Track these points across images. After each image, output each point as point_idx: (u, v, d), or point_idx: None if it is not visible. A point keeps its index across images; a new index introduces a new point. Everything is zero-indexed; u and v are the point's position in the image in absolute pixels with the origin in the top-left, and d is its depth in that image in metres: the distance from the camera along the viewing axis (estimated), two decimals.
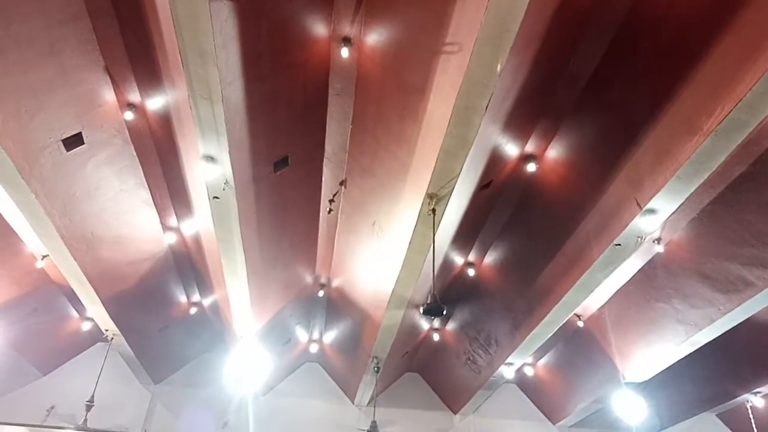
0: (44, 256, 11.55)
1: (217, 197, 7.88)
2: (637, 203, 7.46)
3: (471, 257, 11.84)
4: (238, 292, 10.44)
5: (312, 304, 13.75)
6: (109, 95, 8.03)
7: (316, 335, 15.64)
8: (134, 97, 8.23)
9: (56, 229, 8.80)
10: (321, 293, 13.03)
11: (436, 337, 14.78)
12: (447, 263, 11.12)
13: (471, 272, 12.02)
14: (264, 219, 9.10)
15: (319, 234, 10.94)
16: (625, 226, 7.72)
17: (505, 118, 7.60)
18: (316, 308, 14.04)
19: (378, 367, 13.15)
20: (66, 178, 8.48)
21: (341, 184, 9.48)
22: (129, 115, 8.31)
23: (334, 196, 9.64)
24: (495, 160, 8.51)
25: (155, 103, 8.31)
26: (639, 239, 8.09)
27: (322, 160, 8.99)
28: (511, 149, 8.73)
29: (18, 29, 6.37)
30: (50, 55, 6.90)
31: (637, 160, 7.40)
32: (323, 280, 12.81)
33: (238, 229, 8.40)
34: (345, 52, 6.94)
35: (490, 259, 11.74)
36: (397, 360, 14.88)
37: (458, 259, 11.73)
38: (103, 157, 8.74)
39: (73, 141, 8.13)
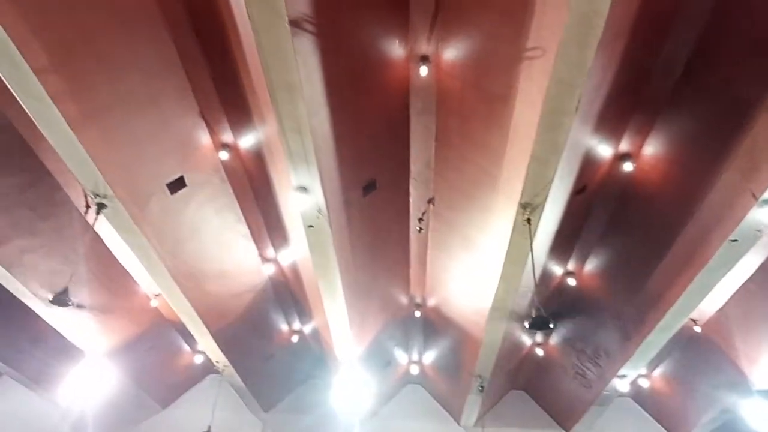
0: (156, 295, 12.37)
1: (311, 226, 8.08)
2: (753, 194, 6.84)
3: (570, 266, 11.36)
4: (336, 316, 10.60)
5: (409, 325, 13.71)
6: (205, 138, 8.52)
7: (416, 356, 15.55)
8: (228, 137, 8.68)
9: (167, 269, 9.36)
10: (417, 313, 12.97)
11: (540, 352, 14.23)
12: (546, 274, 10.72)
13: (572, 282, 11.51)
14: (357, 243, 9.22)
15: (411, 254, 10.93)
16: (741, 220, 7.08)
17: (596, 118, 7.28)
18: (414, 329, 13.98)
19: (482, 386, 12.81)
20: (172, 219, 9.04)
21: (429, 202, 9.45)
22: (224, 155, 8.77)
23: (423, 214, 9.61)
24: (588, 162, 8.16)
25: (247, 141, 8.71)
26: (758, 233, 7.40)
27: (409, 180, 9.02)
28: (605, 150, 8.34)
29: (120, 85, 6.93)
30: (151, 106, 7.43)
31: (749, 146, 6.81)
32: (419, 300, 12.75)
33: (333, 255, 8.56)
34: (424, 70, 6.97)
35: (591, 266, 11.19)
36: (502, 378, 14.45)
37: (557, 269, 11.28)
38: (203, 197, 9.25)
39: (177, 184, 8.67)
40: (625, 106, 7.79)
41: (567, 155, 6.77)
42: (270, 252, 11.60)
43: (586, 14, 4.99)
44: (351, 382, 12.14)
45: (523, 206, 7.37)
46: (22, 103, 6.30)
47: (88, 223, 8.75)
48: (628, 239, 10.09)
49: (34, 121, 6.55)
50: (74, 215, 9.82)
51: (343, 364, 12.48)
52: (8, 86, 6.18)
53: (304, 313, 13.66)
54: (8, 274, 10.12)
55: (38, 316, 11.44)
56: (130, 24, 6.66)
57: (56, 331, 11.86)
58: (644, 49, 7.06)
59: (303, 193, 7.44)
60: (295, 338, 14.68)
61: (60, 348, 12.84)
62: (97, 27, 6.44)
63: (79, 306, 10.92)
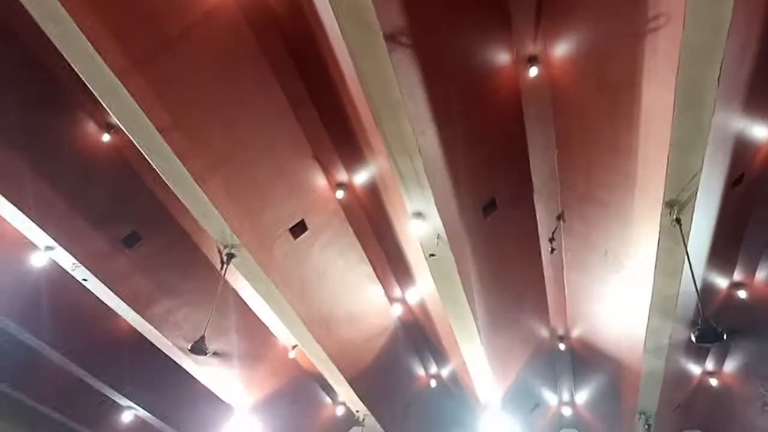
0: (294, 347, 12.54)
1: (433, 254, 7.71)
2: None
3: (738, 275, 9.80)
4: (473, 354, 9.95)
5: (554, 360, 12.59)
6: (321, 180, 8.62)
7: (566, 396, 14.20)
8: (342, 176, 8.71)
9: (297, 315, 9.42)
10: (562, 346, 11.87)
11: (714, 381, 12.32)
12: (708, 287, 9.32)
13: (742, 294, 9.90)
14: (483, 270, 8.67)
15: (546, 278, 10.09)
16: None
17: (745, 90, 6.27)
18: (560, 364, 12.80)
19: (648, 424, 11.25)
20: (298, 264, 9.15)
21: (558, 218, 8.70)
22: (340, 194, 8.79)
23: (553, 233, 8.87)
24: (742, 146, 7.03)
25: (361, 176, 8.68)
26: None
27: (532, 196, 8.39)
28: (762, 129, 7.15)
29: (236, 136, 7.22)
30: (266, 153, 7.66)
31: None
32: (561, 331, 11.69)
33: (459, 285, 8.07)
34: (533, 71, 6.51)
35: (765, 274, 9.57)
36: (670, 414, 12.66)
37: (721, 280, 9.79)
38: (325, 239, 9.30)
39: (299, 228, 8.80)
40: None
41: (714, 138, 5.84)
42: (396, 291, 11.35)
43: None
44: (498, 429, 11.27)
45: (669, 205, 6.44)
46: (150, 162, 6.73)
47: (225, 279, 9.13)
48: None
49: (163, 178, 6.96)
50: (211, 272, 10.33)
51: (486, 409, 11.66)
52: (139, 148, 6.66)
53: (440, 354, 13.10)
54: (159, 333, 10.85)
55: (188, 372, 12.09)
56: (239, 75, 6.98)
57: (205, 386, 12.43)
58: None
59: (420, 220, 7.13)
60: (433, 382, 14.10)
61: (208, 402, 13.37)
62: (209, 83, 6.81)
63: (216, 354, 11.36)
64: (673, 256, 6.99)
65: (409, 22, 5.42)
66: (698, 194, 6.29)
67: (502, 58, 6.53)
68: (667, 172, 6.02)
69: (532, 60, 6.49)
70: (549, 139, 7.44)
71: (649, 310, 8.08)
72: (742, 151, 7.03)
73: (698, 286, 6.49)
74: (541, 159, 7.76)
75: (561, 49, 6.36)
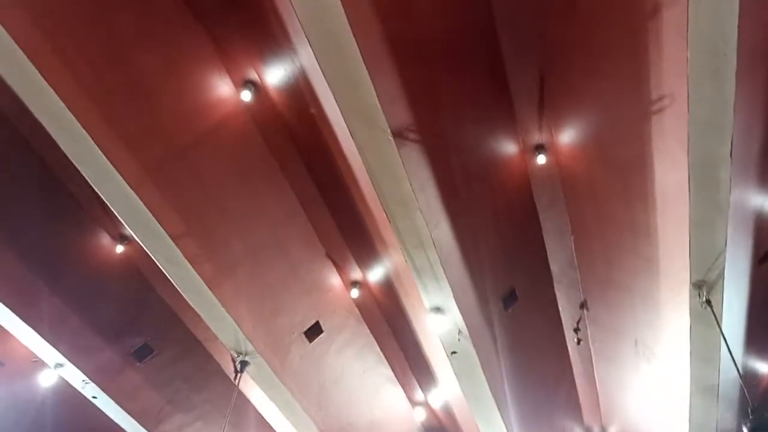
0: None
1: (455, 352, 7.39)
2: None
3: None
4: None
5: None
6: (334, 279, 8.48)
7: None
8: (356, 274, 8.58)
9: (315, 424, 8.93)
10: None
11: None
12: (749, 371, 8.76)
13: None
14: (509, 366, 8.25)
15: (575, 371, 9.57)
16: None
17: (759, 166, 6.22)
18: None
19: None
20: (313, 369, 8.79)
21: (582, 306, 8.39)
22: (355, 293, 8.62)
23: (578, 322, 8.51)
24: (764, 222, 6.87)
25: (376, 273, 8.55)
26: None
27: (552, 284, 8.16)
28: None
29: (249, 239, 7.22)
30: (279, 255, 7.62)
31: None
32: (596, 429, 10.91)
33: (485, 383, 7.66)
34: (541, 159, 6.55)
35: None
36: None
37: (762, 365, 9.22)
38: (341, 341, 9.00)
39: (314, 331, 8.55)
40: None
41: (734, 215, 5.72)
42: (418, 394, 10.79)
43: (712, 43, 4.41)
44: None
45: (697, 286, 6.21)
46: (162, 269, 6.68)
47: (239, 389, 8.76)
48: None
49: (175, 285, 6.86)
50: (224, 382, 9.95)
51: None
52: (151, 256, 6.63)
53: None
54: None
55: None
56: (250, 179, 7.10)
57: None
58: None
59: (439, 314, 6.91)
60: None
61: None
62: (221, 188, 6.91)
63: None
64: (707, 341, 6.63)
65: (415, 118, 5.53)
66: (725, 273, 6.07)
67: (510, 148, 6.61)
68: (690, 252, 5.85)
69: (539, 148, 6.57)
70: (564, 226, 7.35)
71: (690, 402, 7.56)
72: (763, 227, 6.86)
73: (740, 371, 6.09)
74: (558, 246, 7.63)
75: (567, 136, 6.44)
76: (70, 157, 5.64)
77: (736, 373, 6.08)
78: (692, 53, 4.47)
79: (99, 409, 9.54)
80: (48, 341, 8.28)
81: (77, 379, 9.03)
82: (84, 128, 5.41)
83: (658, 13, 4.73)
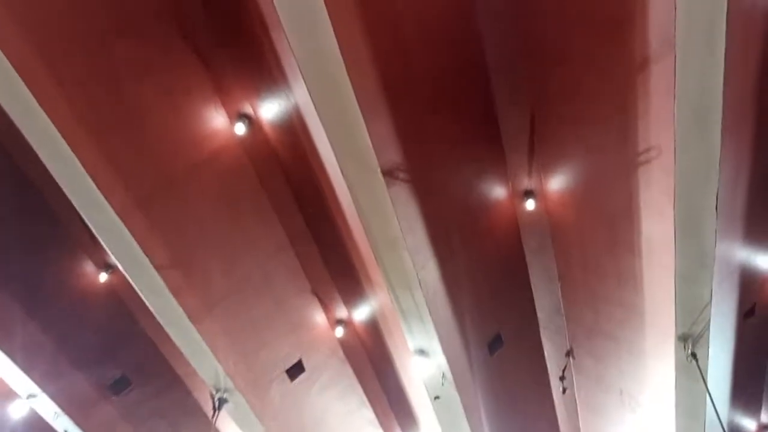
0: None
1: (438, 397, 7.27)
2: None
3: (766, 416, 9.15)
4: None
5: None
6: (319, 317, 8.38)
7: None
8: (341, 312, 8.48)
9: None
10: None
11: None
12: (734, 429, 8.65)
13: None
14: (493, 412, 8.11)
15: (560, 420, 9.41)
16: None
17: (744, 220, 6.28)
18: None
19: None
20: (295, 409, 8.59)
21: (567, 354, 8.31)
22: (340, 332, 8.50)
23: (563, 371, 8.40)
24: (749, 276, 6.91)
25: (361, 312, 8.45)
26: None
27: (539, 331, 8.10)
28: (766, 259, 7.09)
29: (235, 273, 7.14)
30: (264, 290, 7.53)
31: None
32: None
33: (467, 430, 7.50)
34: (530, 204, 6.59)
35: None
36: None
37: (749, 422, 9.12)
38: (324, 380, 8.83)
39: (296, 369, 8.39)
40: None
41: (720, 268, 5.75)
42: None
43: (696, 98, 4.51)
44: None
45: (683, 339, 6.20)
46: (144, 299, 6.57)
47: (217, 429, 8.51)
48: None
49: (156, 317, 6.74)
50: (203, 420, 9.68)
51: None
52: (134, 286, 6.53)
53: None
54: None
55: None
56: (239, 213, 7.07)
57: None
58: None
59: (423, 357, 6.81)
60: None
61: None
62: (210, 221, 6.87)
63: None
64: (693, 396, 6.57)
65: (405, 159, 5.58)
66: (711, 327, 6.06)
67: (499, 192, 6.66)
68: (676, 304, 5.86)
69: (529, 194, 6.62)
70: (551, 271, 7.35)
71: None
72: (749, 281, 6.90)
73: (725, 429, 6.01)
74: (545, 292, 7.61)
75: (556, 183, 6.50)
76: (58, 181, 5.60)
77: (721, 430, 6.01)
78: (679, 108, 4.56)
79: None
80: (21, 369, 8.04)
81: (49, 410, 8.74)
82: (75, 153, 5.39)
83: (647, 67, 4.86)
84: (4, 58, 4.83)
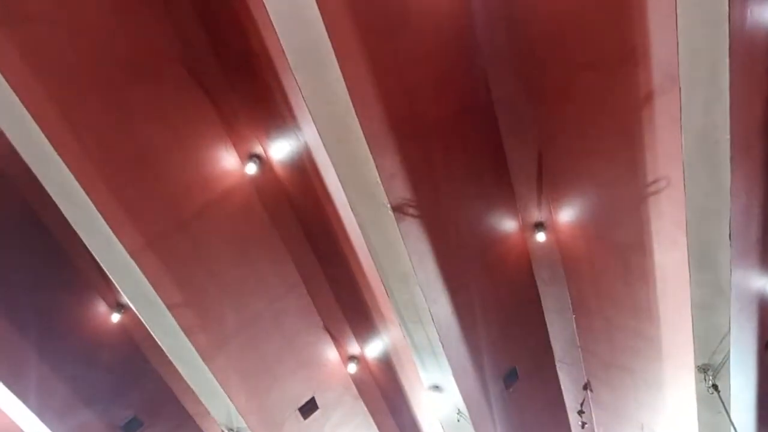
0: None
1: None
2: None
3: None
4: None
5: None
6: (331, 353, 8.30)
7: None
8: (353, 348, 8.40)
9: None
10: None
11: None
12: None
13: None
14: None
15: None
16: None
17: (759, 248, 6.21)
18: None
19: None
20: None
21: (585, 388, 8.16)
22: (352, 368, 8.40)
23: (581, 404, 8.25)
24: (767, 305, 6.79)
25: (373, 348, 8.37)
26: None
27: (554, 364, 7.96)
28: None
29: (246, 311, 7.13)
30: (276, 327, 7.49)
31: None
32: None
33: None
34: (541, 236, 6.56)
35: None
36: None
37: None
38: (337, 418, 8.70)
39: (309, 407, 8.28)
40: None
41: (738, 297, 5.67)
42: None
43: (703, 129, 4.53)
44: None
45: (702, 369, 6.07)
46: (157, 339, 6.56)
47: None
48: None
49: (168, 355, 6.72)
50: None
51: None
52: (146, 325, 6.53)
53: None
54: None
55: None
56: (251, 251, 7.09)
57: None
58: None
59: (437, 392, 6.72)
60: None
61: None
62: (223, 259, 6.89)
63: None
64: (715, 429, 6.40)
65: (415, 194, 5.60)
66: (731, 357, 5.94)
67: (509, 225, 6.65)
68: (693, 334, 5.76)
69: (539, 226, 6.60)
70: (565, 302, 7.27)
71: None
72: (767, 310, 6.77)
73: None
74: (560, 324, 7.51)
75: (566, 215, 6.48)
76: (70, 222, 5.67)
77: None
78: (686, 140, 4.58)
79: None
80: (33, 410, 8.00)
81: None
82: (87, 194, 5.48)
83: (651, 100, 4.89)
84: (19, 103, 4.96)
